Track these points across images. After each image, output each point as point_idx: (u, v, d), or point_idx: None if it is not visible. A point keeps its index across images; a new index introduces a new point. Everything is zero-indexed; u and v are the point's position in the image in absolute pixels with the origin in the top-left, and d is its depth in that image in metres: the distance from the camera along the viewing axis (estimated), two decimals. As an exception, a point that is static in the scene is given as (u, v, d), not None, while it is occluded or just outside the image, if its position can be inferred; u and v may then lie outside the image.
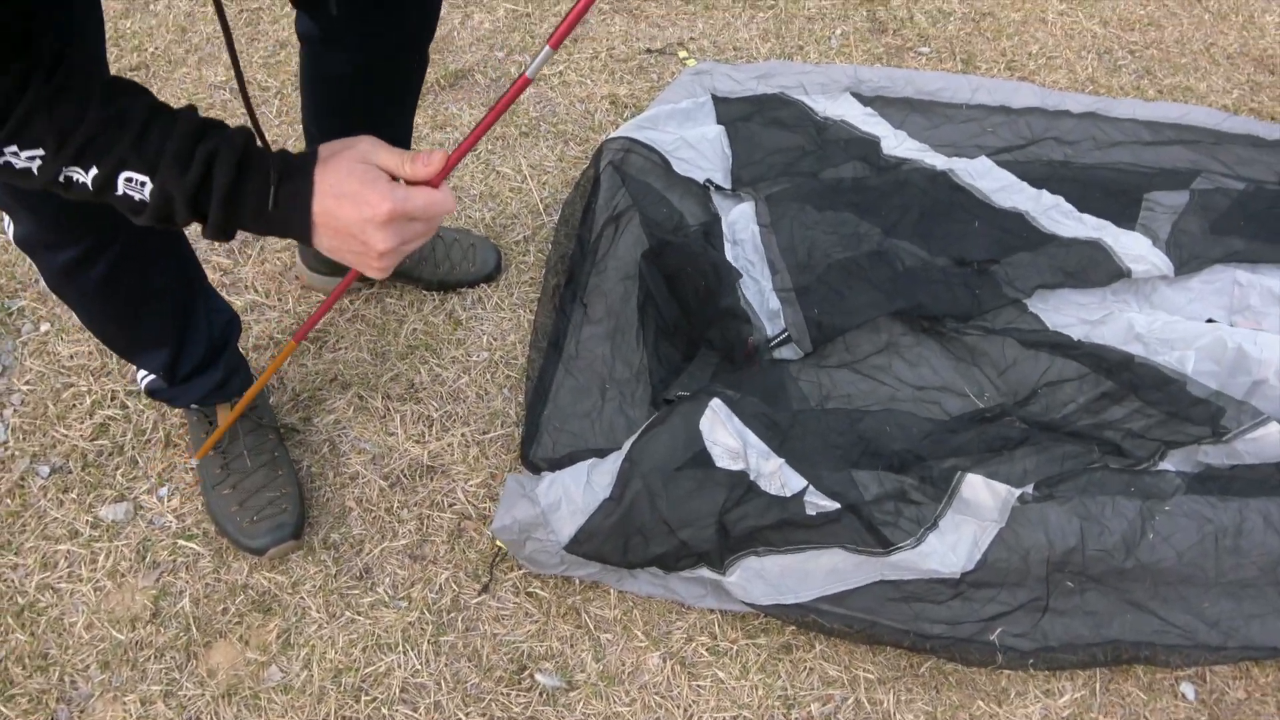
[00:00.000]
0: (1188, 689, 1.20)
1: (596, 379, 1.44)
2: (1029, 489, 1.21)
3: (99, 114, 0.67)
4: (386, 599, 1.24)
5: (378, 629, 1.21)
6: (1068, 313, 1.56)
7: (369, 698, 1.16)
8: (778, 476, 1.18)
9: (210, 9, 2.05)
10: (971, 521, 1.20)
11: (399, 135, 1.32)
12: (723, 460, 1.19)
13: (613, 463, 1.20)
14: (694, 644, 1.21)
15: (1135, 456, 1.34)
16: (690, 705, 1.16)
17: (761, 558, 1.19)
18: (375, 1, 1.08)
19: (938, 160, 1.72)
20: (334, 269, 1.50)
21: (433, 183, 0.75)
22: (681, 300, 1.47)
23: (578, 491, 1.19)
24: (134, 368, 1.32)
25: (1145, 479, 1.27)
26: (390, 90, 1.25)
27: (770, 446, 1.21)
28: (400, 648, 1.20)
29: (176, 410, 1.38)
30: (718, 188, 1.65)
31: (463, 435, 1.39)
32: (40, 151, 0.67)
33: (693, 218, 1.56)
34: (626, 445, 1.21)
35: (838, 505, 1.16)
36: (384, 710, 1.15)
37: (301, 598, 1.23)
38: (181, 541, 1.26)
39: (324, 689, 1.16)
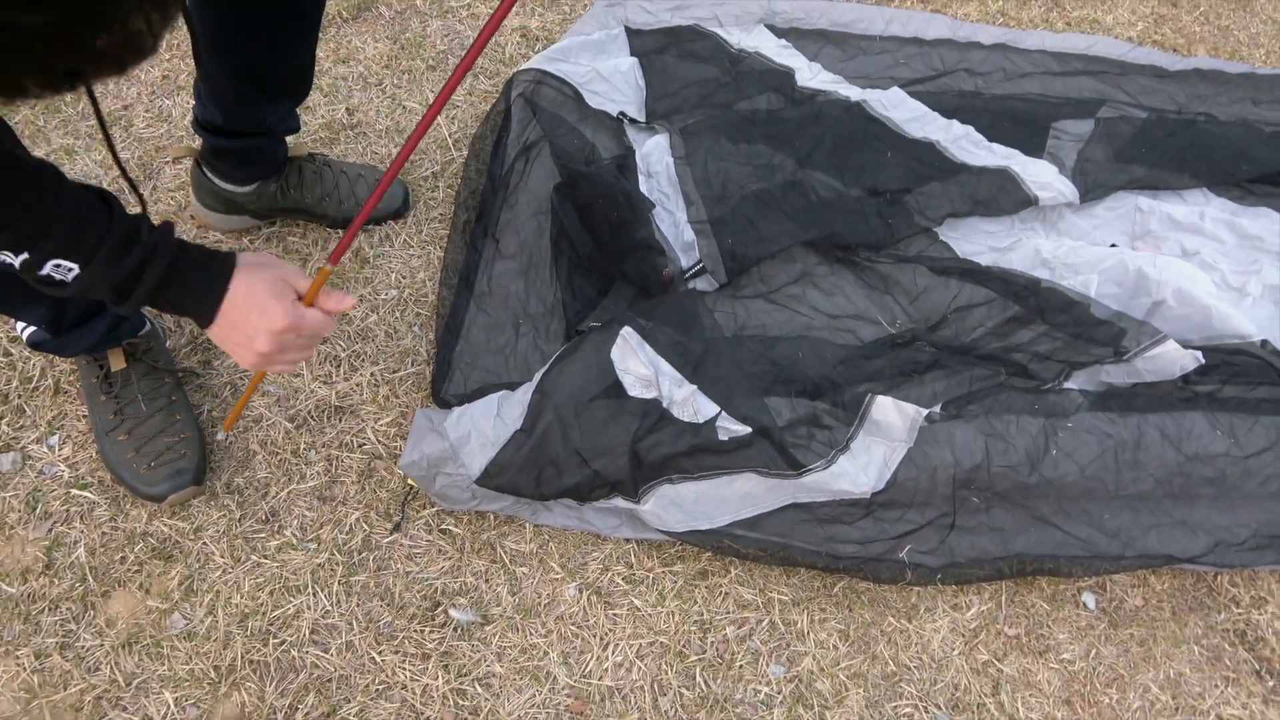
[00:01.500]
0: (1089, 598, 1.24)
1: (509, 314, 1.41)
2: (936, 409, 1.23)
3: (31, 205, 0.71)
4: (294, 542, 1.20)
5: (285, 572, 1.18)
6: (977, 241, 1.58)
7: (277, 641, 1.13)
8: (690, 403, 1.17)
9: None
10: (881, 443, 1.21)
11: (299, 68, 1.24)
12: (635, 389, 1.18)
13: (523, 394, 1.18)
14: (610, 574, 1.21)
15: (1041, 378, 1.38)
16: (607, 634, 1.16)
17: (676, 485, 1.19)
18: None
19: (852, 92, 1.71)
20: (230, 208, 1.43)
21: (331, 259, 0.90)
22: (595, 233, 1.44)
23: (487, 424, 1.17)
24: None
25: (1049, 398, 1.30)
26: (284, 17, 1.18)
27: (683, 374, 1.20)
28: (309, 590, 1.17)
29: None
30: (631, 120, 1.62)
31: (372, 374, 1.36)
32: None
33: (606, 151, 1.53)
34: (537, 376, 1.19)
35: (749, 430, 1.17)
36: (294, 653, 1.12)
37: (204, 544, 1.19)
38: (75, 491, 1.21)
39: (230, 634, 1.13)
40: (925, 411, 1.20)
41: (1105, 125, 1.72)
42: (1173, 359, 1.36)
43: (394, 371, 1.37)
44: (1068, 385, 1.38)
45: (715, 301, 1.42)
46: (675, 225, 1.49)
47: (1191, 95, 1.89)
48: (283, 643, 1.13)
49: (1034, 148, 1.67)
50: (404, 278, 1.47)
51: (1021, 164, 1.61)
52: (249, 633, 1.13)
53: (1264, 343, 1.43)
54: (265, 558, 1.19)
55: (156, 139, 1.56)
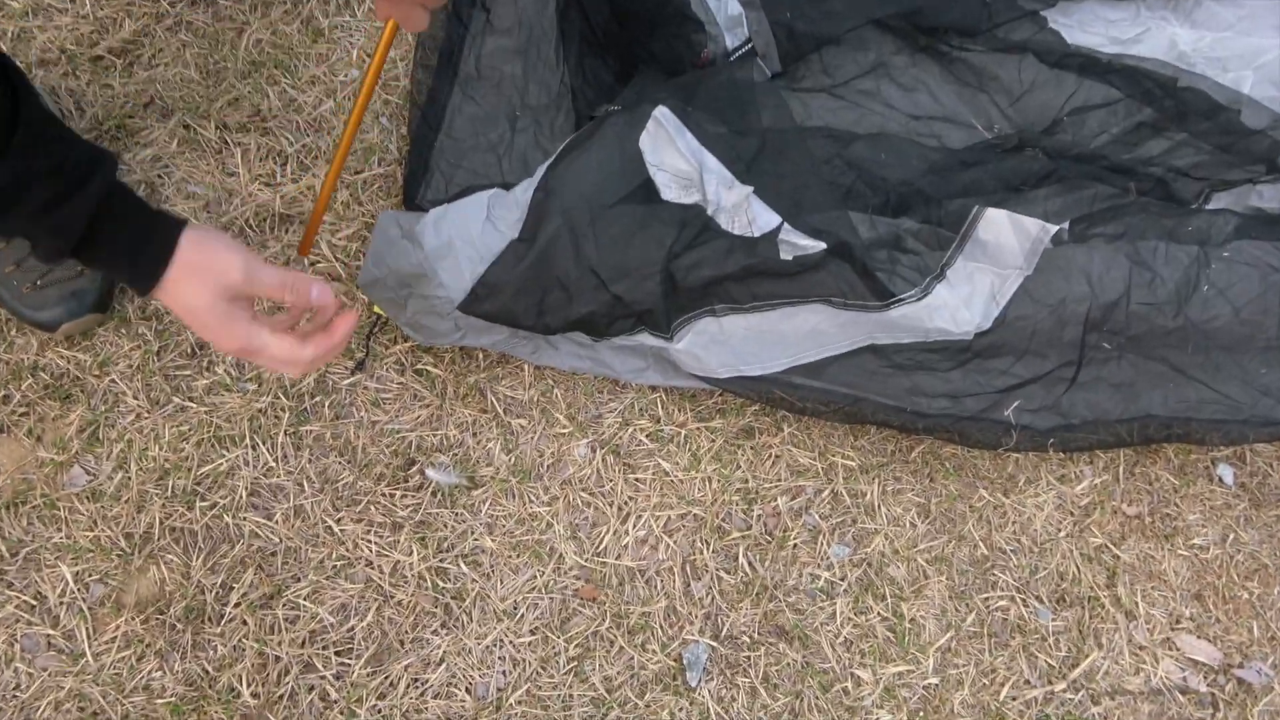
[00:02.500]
0: (1225, 472, 1.00)
1: (504, 104, 1.10)
2: (1064, 226, 0.94)
3: None
4: (228, 381, 0.94)
5: (216, 418, 0.92)
6: (1094, 29, 1.25)
7: (206, 503, 0.88)
8: (744, 210, 0.89)
9: None
10: (988, 270, 0.94)
11: None
12: (671, 190, 0.89)
13: (523, 193, 0.89)
14: (631, 429, 0.95)
15: (1180, 198, 1.08)
16: (626, 503, 0.92)
17: (720, 318, 0.92)
18: None
19: None
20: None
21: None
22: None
23: (475, 231, 0.88)
24: None
25: (1199, 219, 1.01)
26: None
27: (734, 172, 0.91)
28: (247, 441, 0.91)
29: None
30: None
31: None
32: None
33: (628, -110, 1.18)
34: (541, 170, 0.90)
35: (822, 247, 0.88)
36: (226, 518, 0.88)
37: (113, 381, 0.93)
38: (-60, 311, 0.94)
39: (145, 494, 0.88)
40: (1053, 229, 0.92)
41: (1262, -112, 1.35)
42: (1349, 179, 1.07)
43: (356, 172, 1.07)
44: (1209, 208, 1.09)
45: (768, 96, 1.11)
46: (717, -5, 1.16)
47: None
48: (213, 506, 0.89)
49: (1171, -86, 1.32)
50: (368, 55, 1.15)
51: (1158, -70, 1.26)
52: (170, 493, 0.89)
53: None
54: (191, 400, 0.93)
55: None
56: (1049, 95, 1.17)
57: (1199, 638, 0.91)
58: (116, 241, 0.62)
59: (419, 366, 0.96)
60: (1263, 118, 1.13)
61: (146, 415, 0.92)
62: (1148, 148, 1.14)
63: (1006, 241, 0.93)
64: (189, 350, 0.95)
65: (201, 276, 0.63)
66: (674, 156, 0.90)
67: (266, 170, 1.06)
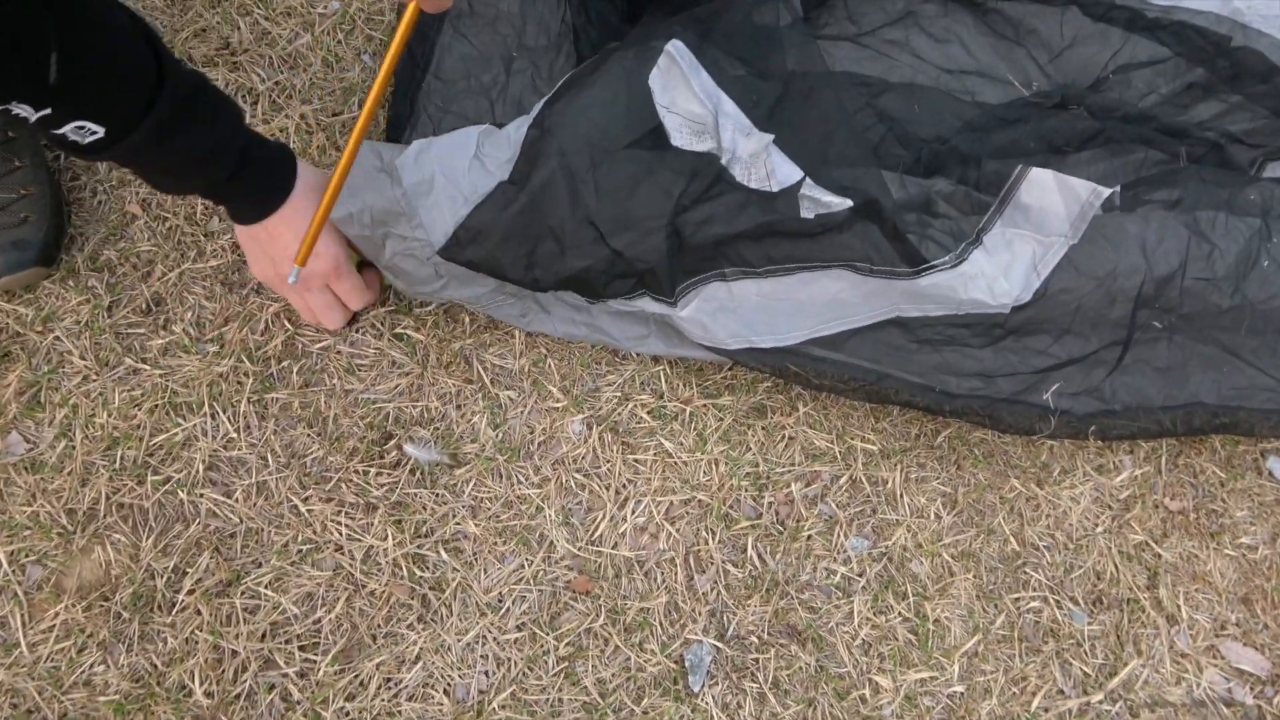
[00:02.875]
0: (1276, 465, 0.92)
1: (499, 44, 1.00)
2: (1116, 190, 0.85)
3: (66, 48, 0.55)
4: (186, 342, 0.85)
5: (172, 383, 0.83)
6: (1142, -19, 1.16)
7: (159, 478, 0.80)
8: (762, 161, 0.79)
9: None
10: (1030, 237, 0.85)
11: None
12: (681, 135, 0.79)
13: (516, 130, 0.79)
14: (631, 405, 0.87)
15: (1234, 164, 0.99)
16: (625, 485, 0.83)
17: (730, 283, 0.83)
18: None
19: None
20: None
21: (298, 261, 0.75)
22: (623, -75, 1.01)
23: (461, 168, 0.78)
24: None
25: (1258, 188, 0.92)
26: None
27: (752, 118, 0.81)
28: (206, 409, 0.82)
29: None
30: None
31: (302, 116, 0.96)
32: None
33: None
34: (537, 106, 0.80)
35: (848, 205, 0.79)
36: (181, 495, 0.79)
37: (58, 339, 0.84)
38: None
39: (91, 465, 0.79)
40: (1105, 192, 0.83)
41: None
42: None
43: (333, 114, 0.97)
44: (1268, 177, 1.00)
45: (793, 40, 1.01)
46: (733, -69, 1.06)
47: None
48: (166, 480, 0.80)
49: None
50: (350, -13, 1.04)
51: None
52: (118, 465, 0.80)
53: None
54: (144, 362, 0.84)
55: None
56: (1092, 51, 1.07)
57: (1245, 645, 0.83)
58: (252, 182, 0.73)
59: (398, 330, 0.87)
60: None
61: (94, 377, 0.83)
62: (1198, 110, 1.04)
63: (1052, 206, 0.84)
64: (144, 306, 0.86)
65: (320, 190, 0.76)
66: (687, 98, 0.80)
67: (234, 110, 0.96)
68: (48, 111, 0.57)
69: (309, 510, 0.79)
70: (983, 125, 0.97)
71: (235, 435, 0.82)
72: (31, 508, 0.78)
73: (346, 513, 0.80)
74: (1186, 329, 0.89)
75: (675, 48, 0.80)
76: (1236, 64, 1.06)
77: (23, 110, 0.56)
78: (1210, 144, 1.00)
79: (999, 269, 0.83)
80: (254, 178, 0.73)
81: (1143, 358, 0.90)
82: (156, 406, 0.82)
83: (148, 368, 0.84)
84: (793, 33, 0.97)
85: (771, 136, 0.80)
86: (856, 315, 0.85)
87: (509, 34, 1.01)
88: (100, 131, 0.60)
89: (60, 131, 0.58)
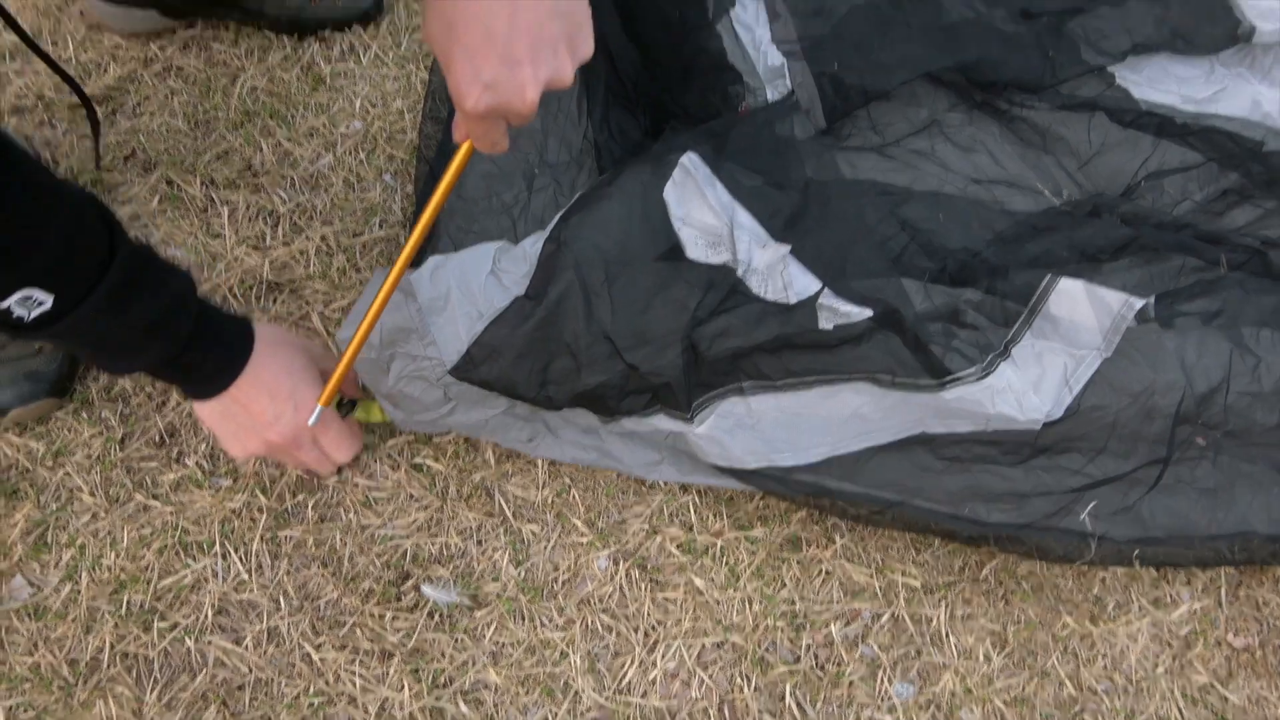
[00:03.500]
0: (1344, 594, 0.86)
1: (520, 161, 0.99)
2: (1150, 301, 0.82)
3: (18, 215, 0.53)
4: (199, 476, 0.82)
5: (184, 520, 0.80)
6: (1166, 87, 1.13)
7: (165, 624, 0.76)
8: (779, 273, 0.77)
9: None
10: (1061, 350, 0.82)
11: None
12: (697, 248, 0.77)
13: (532, 246, 0.78)
14: (660, 538, 0.83)
15: (1277, 272, 0.96)
16: (654, 627, 0.79)
17: (748, 398, 0.79)
18: None
19: (996, -121, 1.24)
20: (130, -2, 1.01)
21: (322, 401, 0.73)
22: (644, 44, 1.02)
23: (478, 284, 0.76)
24: None
25: (1303, 301, 0.89)
26: None
27: (769, 230, 0.79)
28: (217, 548, 0.79)
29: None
30: (696, -101, 1.16)
31: (323, 238, 0.95)
32: None
33: (661, -68, 1.08)
34: (553, 221, 0.79)
35: (869, 314, 0.76)
36: (188, 642, 0.76)
37: (68, 474, 0.81)
38: (-125, 391, 0.82)
39: (96, 611, 0.76)
40: (1139, 303, 0.80)
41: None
42: None
43: (355, 235, 0.96)
44: None
45: (812, 151, 1.00)
46: (755, 46, 1.05)
47: None
48: (173, 626, 0.76)
49: (1247, -40, 1.21)
50: (373, 105, 1.04)
51: (1236, -19, 1.15)
52: (124, 610, 0.76)
53: None
54: (155, 498, 0.81)
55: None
56: (1122, 158, 1.05)
57: (1325, 800, 0.77)
58: (210, 350, 0.69)
59: (417, 460, 0.84)
60: None
61: (104, 515, 0.80)
62: (1234, 216, 1.02)
63: (1083, 318, 0.81)
64: (157, 438, 0.84)
65: (287, 349, 0.73)
66: (702, 210, 0.78)
67: (255, 232, 0.95)
68: None
69: (321, 659, 0.75)
70: (1013, 235, 0.95)
71: (246, 577, 0.78)
72: (33, 658, 0.74)
73: (361, 661, 0.76)
74: (1232, 447, 0.85)
75: (690, 160, 0.79)
76: (1271, 168, 1.04)
77: None
78: (1250, 250, 0.97)
79: (1028, 383, 0.80)
80: (212, 342, 0.69)
81: (1184, 478, 0.86)
82: (166, 546, 0.79)
83: (158, 504, 0.81)
84: (811, 143, 0.96)
85: (788, 247, 0.77)
86: (881, 431, 0.81)
87: (530, 151, 1.00)
88: (48, 302, 0.56)
89: (4, 304, 0.55)
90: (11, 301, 0.55)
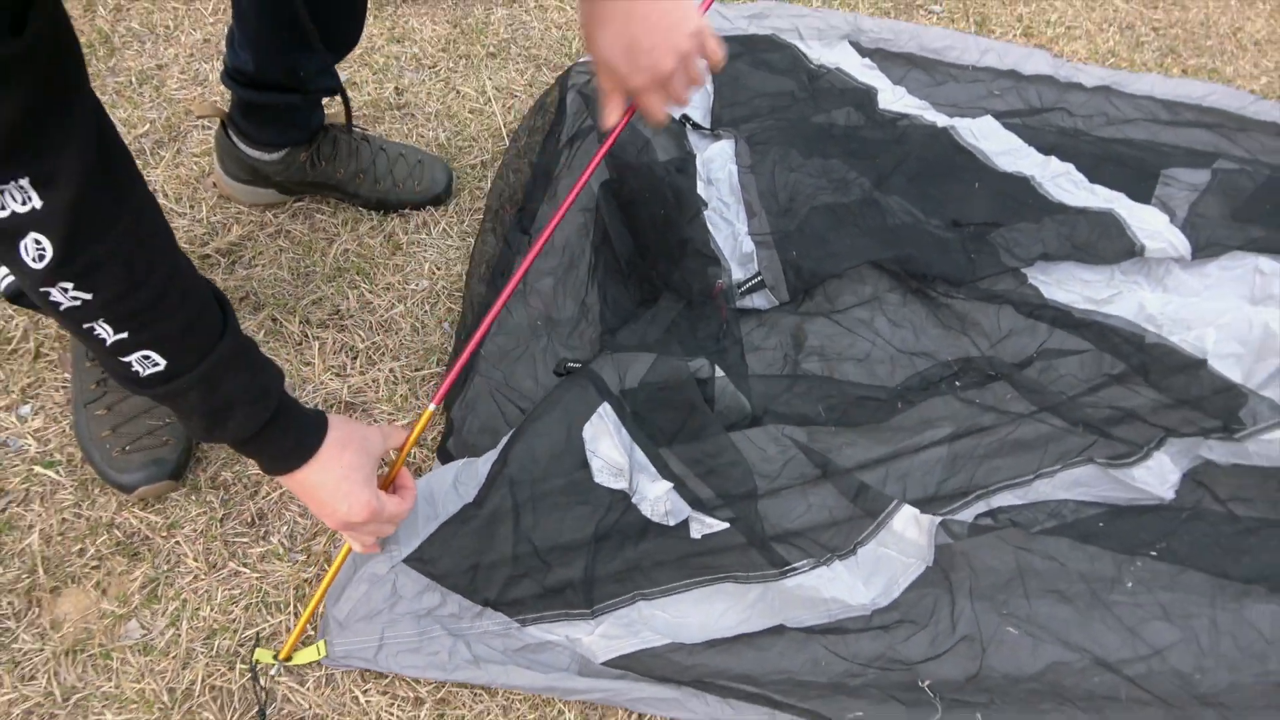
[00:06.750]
0: None
1: (534, 315, 1.26)
2: (966, 520, 1.07)
3: (160, 287, 0.66)
4: (280, 551, 1.05)
5: (266, 585, 1.02)
6: (1071, 288, 1.41)
7: (246, 665, 0.97)
8: (663, 502, 1.02)
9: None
10: (895, 557, 1.06)
11: (343, 10, 1.10)
12: (604, 475, 1.02)
13: (484, 464, 1.02)
14: None
15: (1131, 442, 1.19)
16: None
17: (640, 604, 1.01)
18: None
19: (939, 117, 1.57)
20: (255, 178, 1.30)
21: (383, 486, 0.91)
22: (638, 233, 1.30)
23: (440, 493, 1.01)
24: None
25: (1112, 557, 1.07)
26: None
27: (657, 468, 1.05)
28: (291, 608, 1.01)
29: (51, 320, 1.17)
30: (695, 125, 1.48)
31: (391, 370, 1.21)
32: (88, 297, 0.62)
33: (664, 152, 1.39)
34: (502, 442, 1.04)
35: (726, 525, 1.01)
36: (263, 680, 0.96)
37: (177, 543, 1.04)
38: (39, 469, 1.06)
39: (192, 651, 0.97)
40: (938, 520, 1.04)
41: (1223, 178, 1.55)
42: (1291, 445, 1.16)
43: (416, 369, 1.22)
44: (1160, 454, 1.19)
45: (774, 319, 1.27)
46: (734, 237, 1.34)
47: (1320, 158, 1.71)
48: (253, 665, 0.97)
49: (1140, 194, 1.51)
50: (438, 269, 1.33)
51: (1127, 208, 1.45)
52: (214, 652, 0.97)
53: None
54: (245, 566, 1.03)
55: (188, 101, 1.44)
56: (1024, 343, 1.31)
57: None
58: (284, 438, 0.80)
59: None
60: (1226, 374, 1.26)
61: (203, 577, 1.02)
62: (1110, 393, 1.26)
63: (913, 536, 1.05)
64: (249, 519, 1.07)
65: (355, 445, 0.84)
66: (610, 448, 1.03)
67: (338, 362, 1.21)
68: (124, 336, 0.64)
69: (367, 701, 0.96)
70: (912, 386, 1.20)
71: (312, 632, 0.99)
72: (139, 684, 0.95)
73: (399, 704, 0.96)
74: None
75: (604, 410, 1.05)
76: (1151, 358, 1.29)
77: (103, 331, 0.63)
78: (1119, 418, 1.20)
79: (859, 578, 1.02)
80: (284, 429, 0.79)
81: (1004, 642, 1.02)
82: (251, 604, 1.01)
83: (247, 571, 1.03)
84: (721, 386, 1.18)
85: (671, 484, 1.03)
86: (747, 623, 1.01)
87: (539, 309, 1.26)
88: (162, 365, 0.67)
89: (127, 359, 0.66)
90: (134, 358, 0.66)
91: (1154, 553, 1.07)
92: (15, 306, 1.15)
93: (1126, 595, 1.03)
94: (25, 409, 1.11)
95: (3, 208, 0.56)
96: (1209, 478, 1.19)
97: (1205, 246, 1.46)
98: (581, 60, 1.52)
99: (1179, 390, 1.25)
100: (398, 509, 0.89)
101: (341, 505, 0.83)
